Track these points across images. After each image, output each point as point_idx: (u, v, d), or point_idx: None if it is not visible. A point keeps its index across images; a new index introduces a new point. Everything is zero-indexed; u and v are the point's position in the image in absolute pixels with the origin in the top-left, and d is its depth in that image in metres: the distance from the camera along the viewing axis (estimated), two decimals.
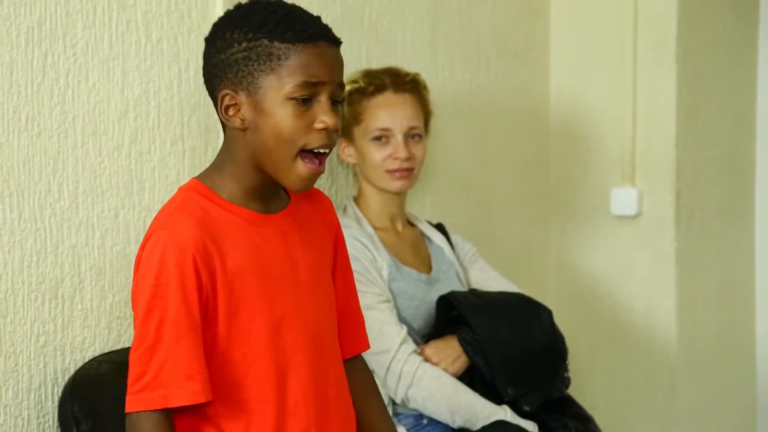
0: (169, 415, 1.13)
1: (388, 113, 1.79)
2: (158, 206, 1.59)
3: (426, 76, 1.89)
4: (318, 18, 1.20)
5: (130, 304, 1.53)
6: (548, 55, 2.37)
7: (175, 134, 1.63)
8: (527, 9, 2.33)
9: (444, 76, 2.11)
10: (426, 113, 1.86)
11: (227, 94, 1.18)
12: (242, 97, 1.17)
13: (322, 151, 1.18)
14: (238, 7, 1.21)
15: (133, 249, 1.58)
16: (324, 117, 1.16)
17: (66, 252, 1.50)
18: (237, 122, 1.18)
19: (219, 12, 1.66)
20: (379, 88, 1.80)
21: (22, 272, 1.45)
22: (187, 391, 1.11)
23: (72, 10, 1.49)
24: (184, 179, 1.65)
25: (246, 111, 1.17)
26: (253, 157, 1.19)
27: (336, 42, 1.20)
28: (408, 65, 1.91)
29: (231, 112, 1.19)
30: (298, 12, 1.19)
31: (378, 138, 1.79)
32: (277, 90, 1.15)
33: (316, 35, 1.17)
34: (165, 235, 1.14)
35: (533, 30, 2.34)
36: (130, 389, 1.13)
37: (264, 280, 1.18)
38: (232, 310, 1.16)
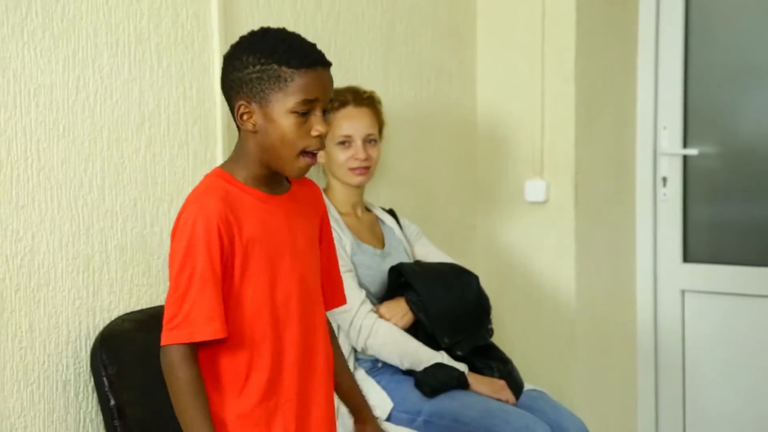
0: (194, 348, 1.19)
1: (350, 123, 1.83)
2: (169, 198, 1.64)
3: (380, 94, 1.93)
4: (314, 45, 1.25)
5: (147, 274, 1.59)
6: (475, 77, 2.39)
7: (182, 140, 1.67)
8: (458, 40, 2.35)
9: (394, 93, 2.15)
10: (380, 123, 1.90)
11: (242, 104, 1.23)
12: (254, 107, 1.22)
13: (316, 151, 1.26)
14: (253, 34, 1.25)
15: (149, 231, 1.61)
16: (318, 126, 1.22)
17: (95, 234, 1.54)
18: (250, 126, 1.24)
19: (217, 44, 1.69)
20: (343, 103, 1.83)
21: (61, 249, 1.49)
22: (210, 329, 1.17)
23: (99, 43, 1.54)
24: (189, 176, 1.67)
25: (257, 118, 1.22)
26: (261, 154, 1.24)
27: (329, 64, 1.25)
28: (365, 85, 1.95)
29: (245, 117, 1.24)
30: (300, 41, 1.24)
31: (342, 143, 1.84)
32: (282, 104, 1.21)
33: (315, 62, 1.22)
34: (196, 209, 1.20)
35: (463, 57, 2.36)
36: (165, 327, 1.19)
37: (270, 246, 1.23)
38: (244, 268, 1.21)
